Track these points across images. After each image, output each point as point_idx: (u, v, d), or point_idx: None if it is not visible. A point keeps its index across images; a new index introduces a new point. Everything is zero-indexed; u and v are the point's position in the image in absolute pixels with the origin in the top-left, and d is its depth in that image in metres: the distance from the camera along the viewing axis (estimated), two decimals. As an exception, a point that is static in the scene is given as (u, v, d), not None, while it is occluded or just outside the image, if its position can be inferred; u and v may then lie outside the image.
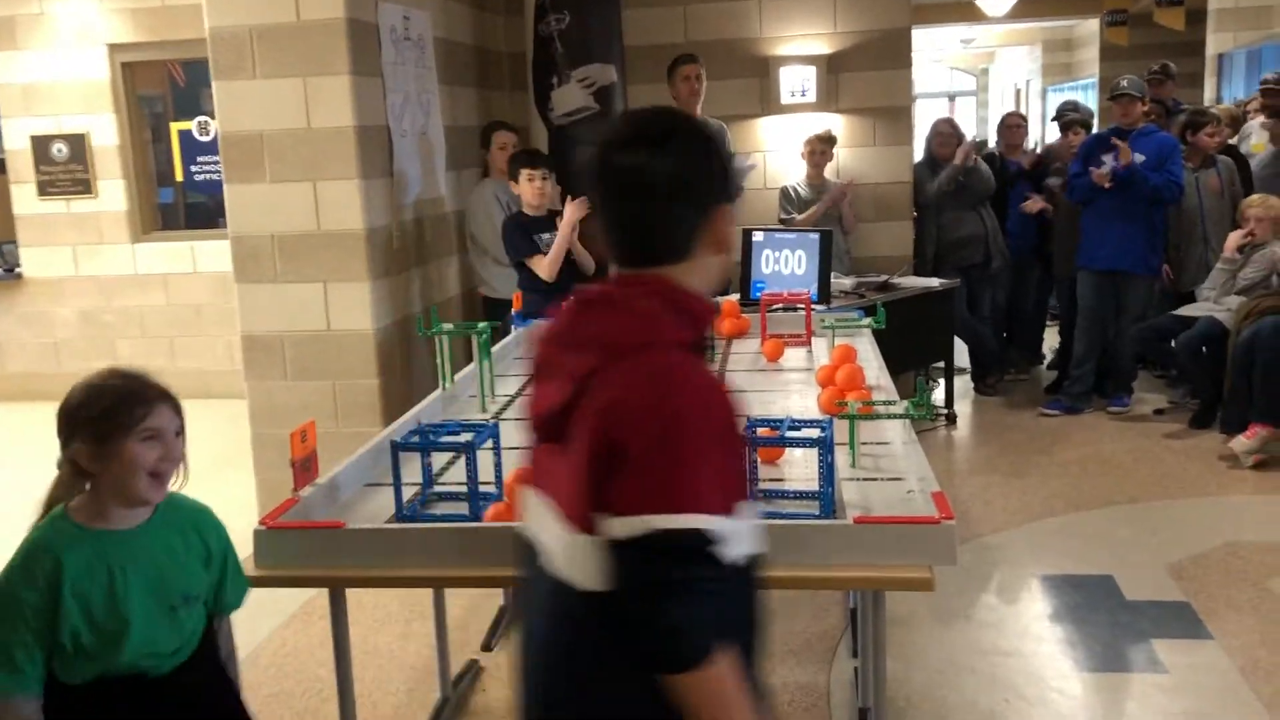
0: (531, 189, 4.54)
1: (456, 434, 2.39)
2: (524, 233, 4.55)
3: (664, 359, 1.38)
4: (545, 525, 1.46)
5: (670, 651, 1.32)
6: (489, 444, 2.39)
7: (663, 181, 1.41)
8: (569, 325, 1.48)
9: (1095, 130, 6.86)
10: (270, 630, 3.77)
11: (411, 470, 2.42)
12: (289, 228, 4.46)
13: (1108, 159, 5.68)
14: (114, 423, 1.83)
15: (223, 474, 4.52)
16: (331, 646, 2.39)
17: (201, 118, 7.12)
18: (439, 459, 2.57)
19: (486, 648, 3.61)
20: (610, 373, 1.36)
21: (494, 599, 3.84)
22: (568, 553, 1.39)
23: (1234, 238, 5.68)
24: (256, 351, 4.59)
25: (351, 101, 4.34)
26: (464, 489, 2.30)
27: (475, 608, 3.86)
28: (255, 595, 2.11)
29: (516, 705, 1.58)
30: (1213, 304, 5.69)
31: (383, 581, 2.19)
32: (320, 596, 3.52)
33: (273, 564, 2.15)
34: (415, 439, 2.39)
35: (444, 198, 5.36)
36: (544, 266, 4.47)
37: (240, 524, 2.17)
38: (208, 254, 7.09)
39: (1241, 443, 5.09)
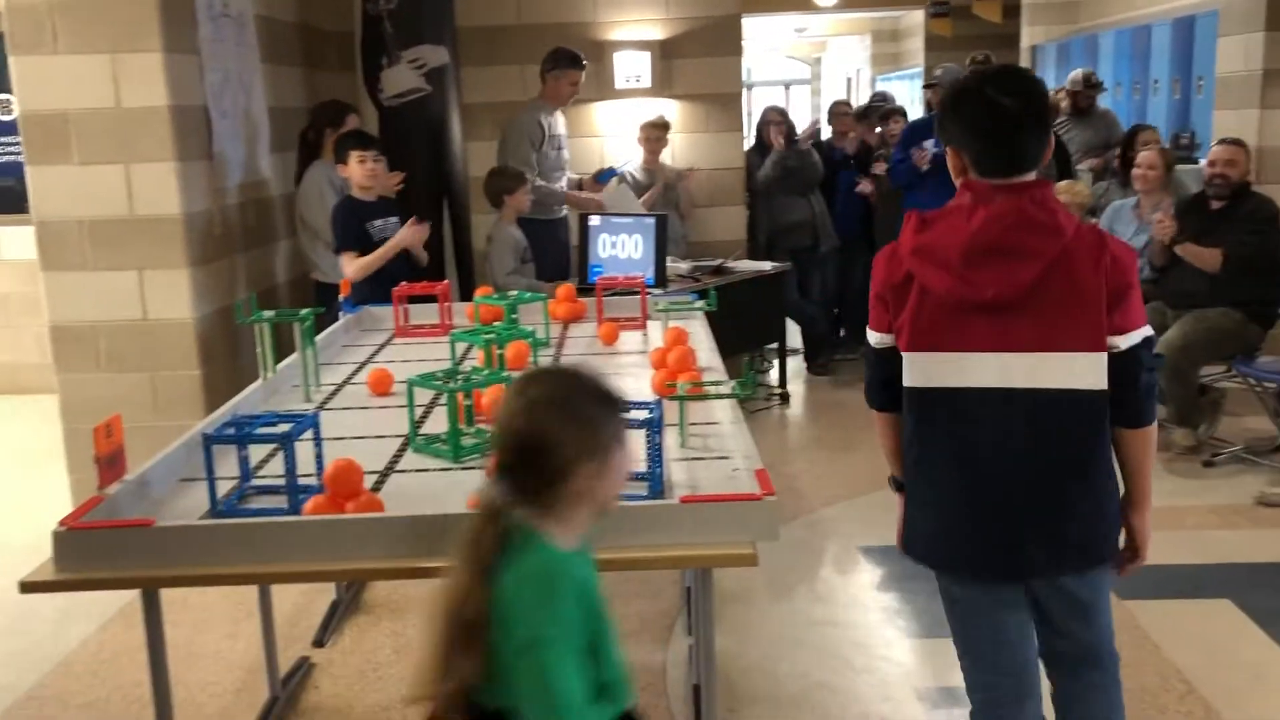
0: (363, 170, 4.40)
1: (273, 425, 2.30)
2: (356, 220, 4.39)
3: (1102, 231, 2.04)
4: (1018, 367, 1.99)
5: (1154, 409, 2.06)
6: (309, 435, 2.32)
7: (1038, 113, 2.04)
8: (1014, 223, 1.97)
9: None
10: (84, 636, 3.57)
11: (229, 465, 2.33)
12: (100, 212, 4.23)
13: (928, 144, 5.91)
14: (610, 433, 1.61)
15: (35, 473, 4.28)
16: (148, 650, 2.28)
17: (2, 95, 6.67)
18: (258, 452, 2.48)
19: (319, 643, 3.51)
20: (1080, 249, 1.96)
21: (326, 594, 3.75)
22: (1077, 371, 1.98)
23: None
24: (67, 342, 4.34)
25: (165, 80, 4.14)
26: (283, 482, 2.23)
27: (307, 604, 3.75)
28: (63, 600, 2.01)
29: (963, 511, 2.15)
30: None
31: (198, 580, 2.10)
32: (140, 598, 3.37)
33: (77, 567, 2.04)
34: (230, 431, 2.30)
35: (269, 181, 5.17)
36: (352, 269, 4.27)
37: (52, 526, 2.05)
38: (12, 241, 6.64)
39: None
